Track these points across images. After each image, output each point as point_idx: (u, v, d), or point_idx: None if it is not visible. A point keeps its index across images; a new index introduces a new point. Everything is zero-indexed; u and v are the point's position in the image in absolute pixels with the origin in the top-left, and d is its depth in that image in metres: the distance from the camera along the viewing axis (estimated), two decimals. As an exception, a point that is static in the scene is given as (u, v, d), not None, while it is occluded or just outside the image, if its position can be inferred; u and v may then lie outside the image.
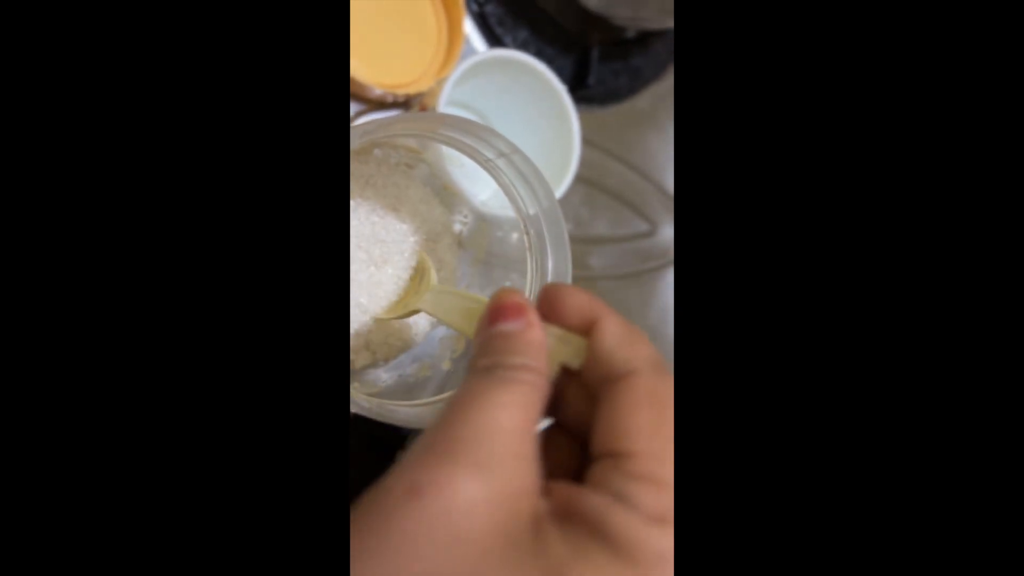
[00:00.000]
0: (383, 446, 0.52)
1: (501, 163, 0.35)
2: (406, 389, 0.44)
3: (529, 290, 0.39)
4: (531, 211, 0.37)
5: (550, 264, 0.37)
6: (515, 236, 0.45)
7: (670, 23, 0.56)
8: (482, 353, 0.21)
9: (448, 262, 0.44)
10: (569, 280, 0.37)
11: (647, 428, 0.20)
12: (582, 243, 0.61)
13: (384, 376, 0.44)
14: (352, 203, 0.41)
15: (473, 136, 0.33)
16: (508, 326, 0.22)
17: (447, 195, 0.44)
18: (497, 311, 0.22)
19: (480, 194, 0.43)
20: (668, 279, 0.64)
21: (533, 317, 0.22)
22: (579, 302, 0.23)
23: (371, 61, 0.51)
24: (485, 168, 0.36)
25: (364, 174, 0.41)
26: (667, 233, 0.64)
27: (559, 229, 0.36)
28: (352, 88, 0.51)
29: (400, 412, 0.33)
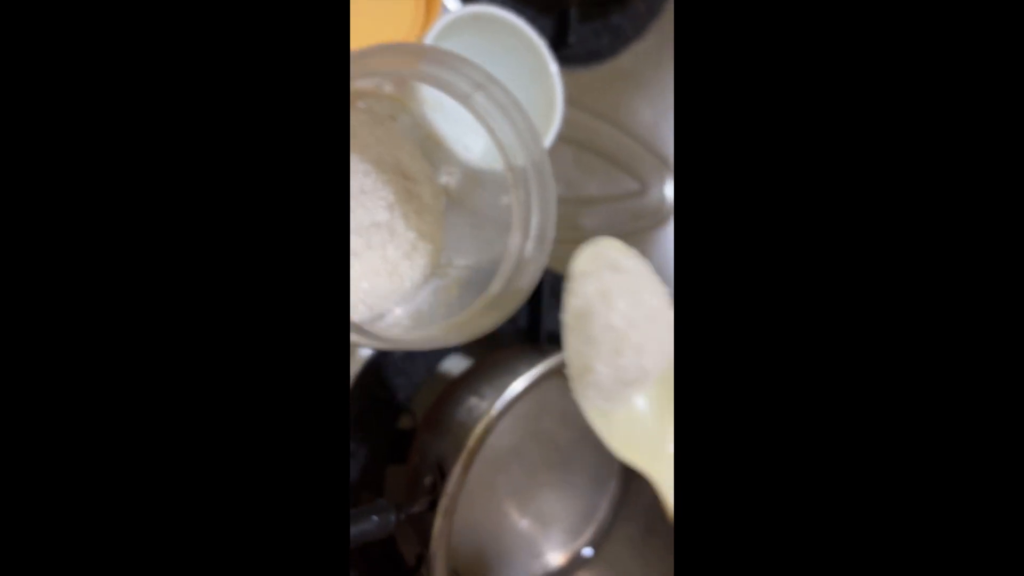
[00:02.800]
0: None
1: (479, 97, 0.35)
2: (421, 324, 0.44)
3: (516, 246, 0.39)
4: (519, 162, 0.36)
5: (534, 220, 0.37)
6: (505, 200, 0.45)
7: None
8: None
9: (433, 212, 0.44)
10: (551, 235, 0.37)
11: None
12: (574, 204, 0.61)
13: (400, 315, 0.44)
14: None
15: (449, 68, 0.33)
16: None
17: (431, 145, 0.44)
18: None
19: (473, 147, 0.43)
20: (659, 237, 0.64)
21: None
22: None
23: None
24: (464, 105, 0.36)
25: (351, 129, 0.41)
26: (657, 192, 0.64)
27: (545, 179, 0.35)
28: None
29: (408, 338, 0.33)
